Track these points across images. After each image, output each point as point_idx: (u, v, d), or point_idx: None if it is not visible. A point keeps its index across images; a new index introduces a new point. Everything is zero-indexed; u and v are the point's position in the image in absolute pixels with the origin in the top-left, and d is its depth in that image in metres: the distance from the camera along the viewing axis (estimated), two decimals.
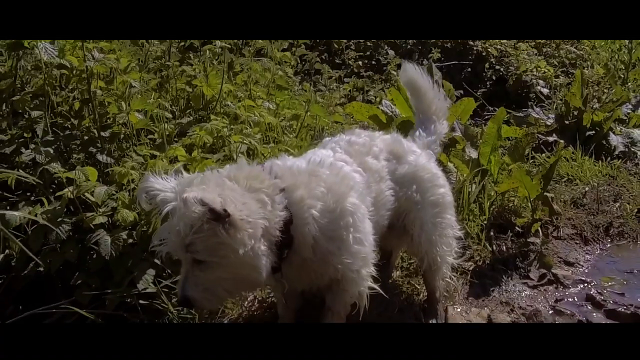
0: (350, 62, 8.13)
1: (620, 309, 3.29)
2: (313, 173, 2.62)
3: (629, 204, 4.65)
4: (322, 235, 2.55)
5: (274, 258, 2.46)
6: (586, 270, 3.81)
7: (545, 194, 4.00)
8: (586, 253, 4.05)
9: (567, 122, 6.03)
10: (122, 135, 3.67)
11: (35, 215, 3.06)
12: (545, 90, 7.69)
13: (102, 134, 3.60)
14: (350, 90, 7.11)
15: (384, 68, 7.86)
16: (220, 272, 2.40)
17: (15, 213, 2.99)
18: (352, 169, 2.77)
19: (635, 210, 4.56)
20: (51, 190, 3.43)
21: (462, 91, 7.27)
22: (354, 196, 2.64)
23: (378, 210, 2.82)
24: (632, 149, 5.81)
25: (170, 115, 3.90)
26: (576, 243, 4.16)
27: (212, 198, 2.24)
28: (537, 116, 6.18)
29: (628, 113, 6.37)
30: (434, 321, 3.17)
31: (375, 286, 2.79)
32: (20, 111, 3.73)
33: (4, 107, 3.72)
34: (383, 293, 2.88)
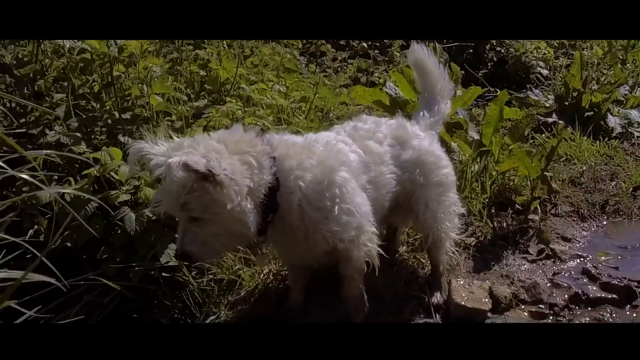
0: (354, 43, 8.26)
1: (614, 281, 3.46)
2: (307, 147, 2.80)
3: (624, 182, 4.82)
4: (309, 205, 2.71)
5: (258, 219, 2.62)
6: (582, 246, 3.99)
7: (545, 173, 4.17)
8: (583, 229, 4.23)
9: (566, 103, 6.19)
10: (142, 117, 3.85)
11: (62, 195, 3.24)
12: (545, 72, 7.85)
13: (123, 116, 3.78)
14: (354, 72, 7.25)
15: (387, 50, 7.99)
16: (214, 227, 2.56)
17: (45, 191, 3.16)
18: (349, 149, 2.93)
19: (631, 188, 4.74)
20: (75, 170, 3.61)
21: (463, 72, 7.42)
22: (344, 170, 2.81)
23: (378, 190, 2.99)
24: (629, 130, 5.99)
25: (186, 98, 4.08)
26: (573, 220, 4.33)
27: (196, 160, 2.39)
28: (537, 98, 6.35)
29: (625, 94, 6.53)
30: (438, 294, 3.35)
31: (378, 249, 2.98)
32: (44, 94, 3.91)
33: (26, 90, 3.90)
34: (384, 254, 3.07)
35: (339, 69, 7.24)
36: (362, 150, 2.97)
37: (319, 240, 2.79)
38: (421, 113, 3.49)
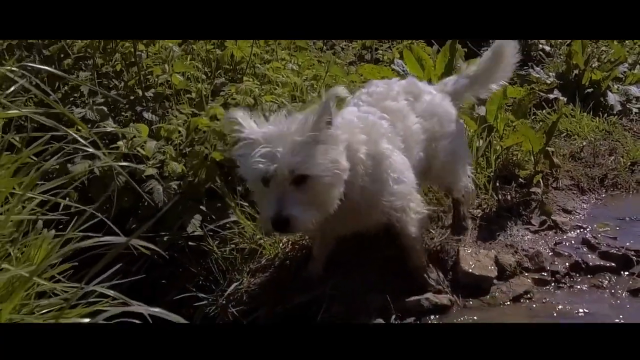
0: None
1: (612, 250, 3.66)
2: (350, 123, 2.89)
3: (622, 157, 5.02)
4: (368, 178, 2.84)
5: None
6: (582, 217, 4.19)
7: (546, 148, 4.36)
8: (583, 202, 4.42)
9: (567, 80, 6.38)
10: (164, 95, 4.04)
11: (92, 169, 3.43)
12: (547, 48, 8.01)
13: (146, 94, 3.97)
14: (359, 49, 7.40)
15: None
16: (319, 189, 2.60)
17: (79, 164, 3.36)
18: (377, 117, 3.06)
19: (629, 163, 4.94)
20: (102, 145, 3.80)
21: (466, 49, 7.55)
22: (385, 142, 2.96)
23: (409, 145, 3.14)
24: (628, 106, 6.19)
25: (204, 77, 4.26)
26: (574, 193, 4.53)
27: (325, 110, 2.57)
28: (538, 75, 6.53)
29: (624, 72, 6.72)
30: (464, 236, 3.64)
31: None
32: (70, 72, 4.09)
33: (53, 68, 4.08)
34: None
35: (343, 47, 7.39)
36: (385, 114, 3.10)
37: (377, 213, 2.94)
38: (445, 80, 3.71)
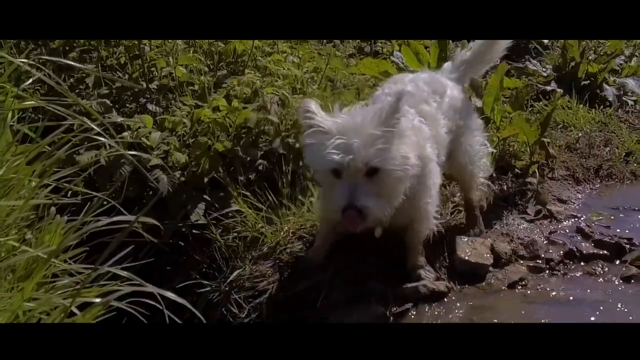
0: None
1: (605, 239, 3.75)
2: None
3: (617, 148, 5.11)
4: (416, 179, 2.92)
5: None
6: (577, 207, 4.28)
7: (542, 139, 4.45)
8: (577, 192, 4.52)
9: (564, 72, 6.46)
10: (168, 87, 4.13)
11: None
12: (545, 41, 8.07)
13: (150, 86, 4.05)
14: (359, 42, 7.46)
15: None
16: (390, 183, 2.69)
17: (85, 154, 3.44)
18: (417, 121, 3.09)
19: (623, 154, 5.03)
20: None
21: (465, 41, 7.62)
22: (429, 146, 3.05)
23: (439, 152, 3.22)
24: (624, 98, 6.27)
25: (207, 69, 4.35)
26: (569, 183, 4.62)
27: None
28: (534, 68, 6.62)
29: (621, 64, 6.79)
30: (477, 228, 3.73)
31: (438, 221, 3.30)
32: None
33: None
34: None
35: (343, 40, 7.45)
36: (422, 118, 3.15)
37: (412, 212, 3.06)
38: (445, 67, 3.80)
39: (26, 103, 2.04)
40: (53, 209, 2.09)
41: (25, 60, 2.03)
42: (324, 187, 2.93)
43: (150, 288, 1.61)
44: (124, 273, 1.69)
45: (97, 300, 1.65)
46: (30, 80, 2.03)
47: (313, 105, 2.74)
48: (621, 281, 3.44)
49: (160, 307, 1.71)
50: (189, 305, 1.64)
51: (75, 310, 1.63)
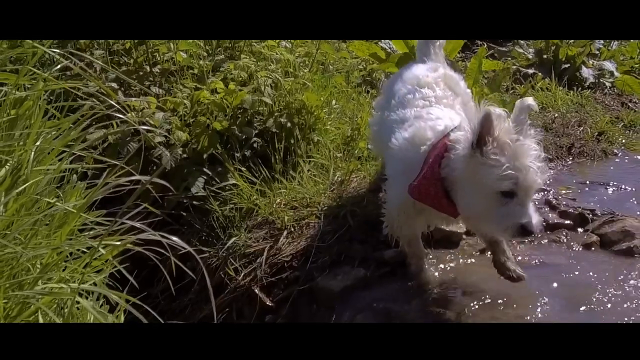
0: None
1: (570, 210, 4.06)
2: None
3: (590, 128, 5.42)
4: None
5: None
6: (547, 182, 4.60)
7: None
8: (550, 168, 4.80)
9: (545, 56, 6.79)
10: (169, 71, 4.47)
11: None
12: None
13: (153, 70, 4.40)
14: None
15: None
16: None
17: (96, 132, 3.76)
18: None
19: (596, 133, 5.36)
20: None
21: None
22: None
23: None
24: (601, 80, 6.60)
25: (205, 54, 4.69)
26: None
27: None
28: (520, 50, 6.95)
29: (600, 48, 7.12)
30: None
31: None
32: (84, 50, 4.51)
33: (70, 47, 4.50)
34: None
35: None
36: None
37: None
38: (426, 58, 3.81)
39: (54, 86, 2.39)
40: (74, 175, 2.45)
41: (57, 51, 2.38)
42: (489, 203, 2.80)
43: (158, 237, 1.96)
44: (138, 224, 2.04)
45: (118, 242, 2.01)
46: (59, 67, 2.38)
47: (498, 114, 2.71)
48: (582, 248, 3.73)
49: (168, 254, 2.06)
50: (193, 252, 2.00)
51: (102, 250, 2.00)
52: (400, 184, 3.09)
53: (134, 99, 4.03)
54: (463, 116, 3.11)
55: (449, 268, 3.57)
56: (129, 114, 3.96)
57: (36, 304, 1.76)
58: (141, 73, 4.38)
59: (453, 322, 3.09)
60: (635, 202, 4.21)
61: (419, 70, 3.58)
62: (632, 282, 3.35)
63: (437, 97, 3.31)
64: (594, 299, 3.21)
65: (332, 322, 3.32)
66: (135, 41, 4.50)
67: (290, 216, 3.94)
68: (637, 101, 6.50)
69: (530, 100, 2.78)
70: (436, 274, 3.51)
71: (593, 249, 3.74)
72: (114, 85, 4.21)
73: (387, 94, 3.67)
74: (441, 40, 3.90)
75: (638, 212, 4.03)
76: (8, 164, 2.06)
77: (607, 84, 6.58)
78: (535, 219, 2.72)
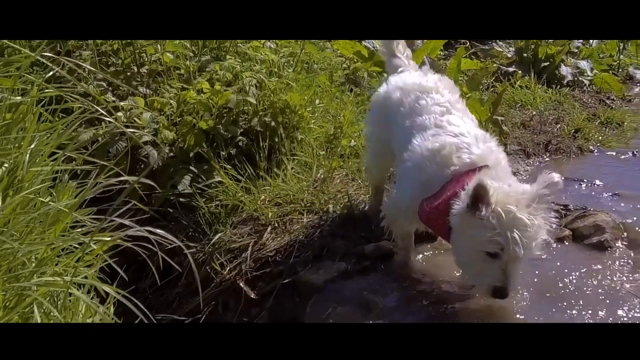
0: None
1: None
2: None
3: (567, 125, 5.60)
4: None
5: None
6: (525, 178, 4.74)
7: (495, 117, 4.94)
8: (527, 165, 4.98)
9: (525, 54, 6.95)
10: (156, 72, 4.60)
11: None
12: None
13: (141, 70, 4.52)
14: None
15: None
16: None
17: (86, 132, 3.88)
18: None
19: (572, 130, 5.53)
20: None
21: None
22: None
23: None
24: (580, 78, 6.77)
25: (192, 54, 4.82)
26: (520, 157, 5.09)
27: None
28: (500, 49, 7.11)
29: (579, 46, 7.29)
30: None
31: None
32: (73, 51, 4.63)
33: (58, 48, 4.61)
34: None
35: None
36: None
37: None
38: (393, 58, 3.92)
39: (47, 92, 2.52)
40: (66, 175, 2.58)
41: (48, 54, 2.51)
42: (474, 258, 2.93)
43: (146, 233, 2.10)
44: (126, 222, 2.18)
45: (108, 238, 2.15)
46: (51, 73, 2.52)
47: (487, 183, 2.78)
48: (555, 241, 3.84)
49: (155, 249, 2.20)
50: (180, 244, 2.13)
51: (93, 246, 2.14)
52: (413, 190, 3.20)
53: (122, 103, 4.13)
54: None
55: (427, 260, 3.70)
56: (118, 114, 4.09)
57: (32, 295, 1.90)
58: (129, 74, 4.50)
59: (430, 312, 3.20)
60: (607, 198, 4.36)
61: (412, 78, 3.65)
62: (601, 273, 3.48)
63: (450, 102, 3.39)
64: (566, 290, 3.33)
65: (307, 312, 3.48)
66: (123, 42, 4.61)
67: (274, 212, 4.07)
68: (614, 98, 6.68)
69: (556, 177, 2.85)
70: (415, 267, 3.62)
71: (566, 242, 3.84)
72: (103, 84, 4.32)
73: (385, 106, 3.70)
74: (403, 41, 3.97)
75: (611, 207, 4.16)
76: (5, 166, 2.20)
77: (586, 81, 6.74)
78: (511, 284, 2.84)
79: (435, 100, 3.37)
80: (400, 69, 3.82)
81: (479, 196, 2.76)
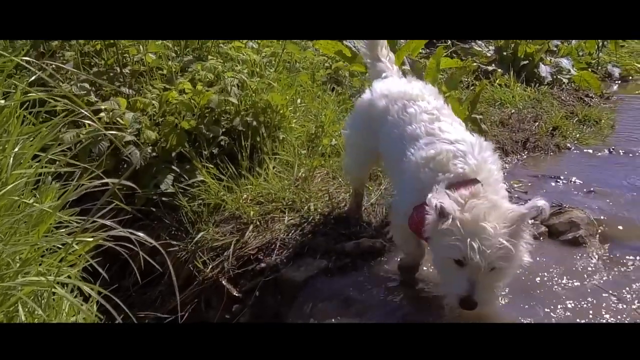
0: None
1: (521, 202, 4.29)
2: None
3: (545, 123, 5.69)
4: None
5: None
6: (502, 176, 4.83)
7: (474, 116, 5.02)
8: (505, 162, 5.05)
9: (504, 53, 7.04)
10: (139, 72, 4.64)
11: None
12: None
13: (124, 71, 4.57)
14: None
15: None
16: (507, 275, 2.90)
17: (69, 132, 3.94)
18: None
19: (550, 128, 5.62)
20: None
21: None
22: None
23: None
24: (558, 77, 6.88)
25: (174, 55, 4.87)
26: (498, 155, 5.13)
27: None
28: (479, 48, 7.19)
29: (557, 45, 7.40)
30: None
31: None
32: (56, 52, 4.67)
33: (42, 49, 4.65)
34: None
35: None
36: None
37: None
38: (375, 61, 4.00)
39: (30, 95, 2.57)
40: (49, 177, 2.64)
41: (27, 59, 2.56)
42: (443, 269, 3.00)
43: (127, 234, 2.16)
44: (108, 222, 2.24)
45: (91, 239, 2.21)
46: (33, 77, 2.57)
47: (447, 202, 2.80)
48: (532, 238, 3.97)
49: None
50: (157, 245, 2.19)
51: (75, 246, 2.20)
52: (410, 197, 3.20)
53: (104, 103, 4.17)
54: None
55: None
56: (101, 114, 4.13)
57: (17, 295, 1.96)
58: (112, 74, 4.55)
59: (410, 310, 3.26)
60: (582, 195, 4.45)
61: (397, 85, 3.67)
62: (575, 268, 3.57)
63: (437, 109, 3.42)
64: (542, 284, 3.40)
65: (289, 308, 3.54)
66: (106, 43, 4.66)
67: (256, 211, 4.12)
68: (593, 96, 6.79)
69: (541, 203, 2.85)
70: (393, 264, 3.67)
71: (542, 238, 3.90)
72: (86, 85, 4.37)
73: (369, 114, 3.72)
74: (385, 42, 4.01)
75: (587, 204, 4.25)
76: None
77: (564, 80, 6.84)
78: (476, 295, 2.79)
79: (423, 108, 3.40)
80: (384, 74, 3.88)
81: (442, 214, 2.79)
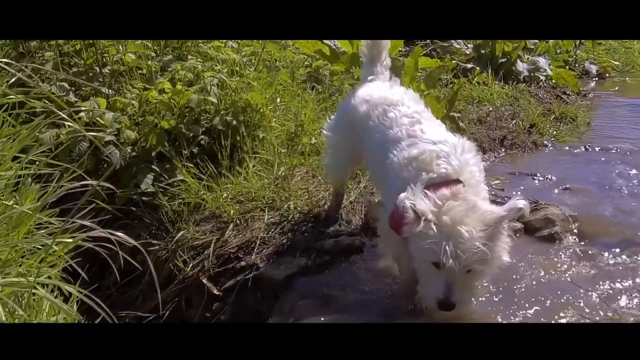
0: None
1: (498, 199, 4.35)
2: None
3: (522, 121, 5.77)
4: None
5: None
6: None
7: (451, 114, 5.07)
8: (483, 160, 4.98)
9: (483, 51, 7.10)
10: (118, 72, 4.66)
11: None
12: None
13: (103, 71, 4.58)
14: None
15: None
16: (485, 276, 2.95)
17: (48, 133, 3.94)
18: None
19: (528, 125, 5.70)
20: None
21: None
22: None
23: None
24: (535, 74, 6.95)
25: (154, 54, 4.88)
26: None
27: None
28: (458, 46, 7.26)
29: (535, 43, 7.47)
30: None
31: None
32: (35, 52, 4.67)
33: (21, 49, 4.65)
34: None
35: None
36: None
37: None
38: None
39: (10, 98, 2.60)
40: (29, 179, 2.66)
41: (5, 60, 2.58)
42: (421, 271, 2.97)
43: (106, 234, 2.19)
44: (88, 223, 2.26)
45: (70, 240, 2.23)
46: (13, 79, 2.59)
47: (421, 204, 2.79)
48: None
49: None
50: (137, 245, 2.22)
51: (55, 247, 2.22)
52: (393, 197, 3.12)
53: (84, 103, 4.18)
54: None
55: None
56: (81, 114, 4.14)
57: None
58: (91, 74, 4.56)
59: (389, 308, 3.30)
60: (558, 192, 4.53)
61: (379, 91, 3.69)
62: (550, 263, 3.64)
63: (418, 112, 3.44)
64: (519, 279, 3.47)
65: (272, 307, 3.57)
66: (85, 42, 4.67)
67: (236, 210, 4.15)
68: (570, 93, 6.87)
69: (521, 204, 2.81)
70: (370, 262, 3.73)
71: (518, 235, 3.92)
72: (65, 85, 4.37)
73: (351, 118, 3.73)
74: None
75: (562, 201, 4.33)
76: None
77: (542, 77, 6.92)
78: (454, 296, 2.79)
79: (403, 112, 3.41)
80: (370, 78, 3.90)
81: (416, 215, 2.79)
